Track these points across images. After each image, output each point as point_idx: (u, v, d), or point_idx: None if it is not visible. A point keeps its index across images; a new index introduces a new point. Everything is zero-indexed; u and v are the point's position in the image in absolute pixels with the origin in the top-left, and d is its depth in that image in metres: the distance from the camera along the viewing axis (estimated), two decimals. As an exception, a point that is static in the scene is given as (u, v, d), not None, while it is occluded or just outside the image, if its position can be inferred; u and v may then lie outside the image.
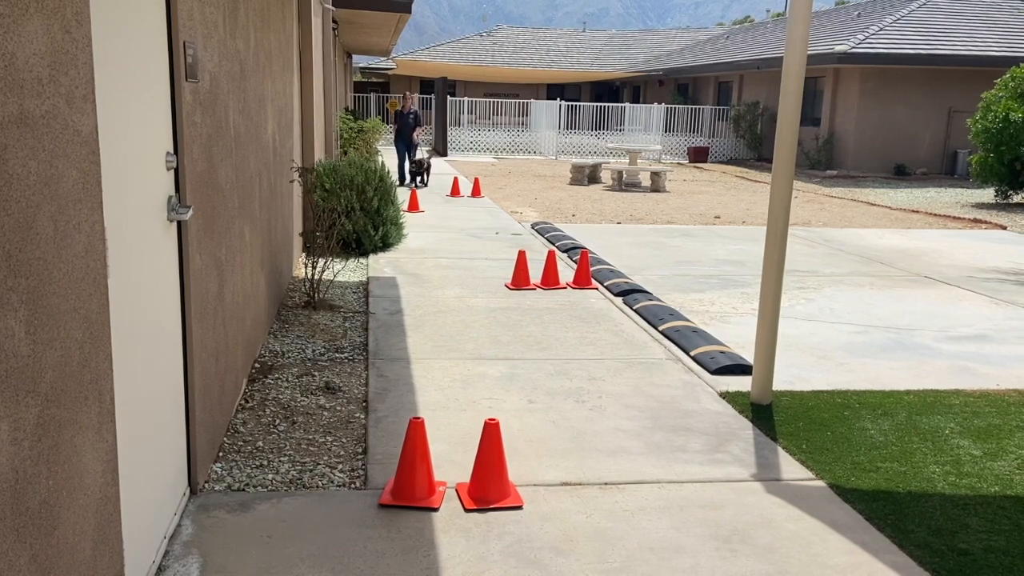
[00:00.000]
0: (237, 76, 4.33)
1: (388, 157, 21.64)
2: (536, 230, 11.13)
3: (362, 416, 4.38)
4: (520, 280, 7.58)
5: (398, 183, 15.75)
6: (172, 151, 3.10)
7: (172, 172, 3.10)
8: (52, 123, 1.89)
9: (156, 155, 2.89)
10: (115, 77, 2.44)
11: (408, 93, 16.73)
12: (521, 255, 7.70)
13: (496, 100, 30.26)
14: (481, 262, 8.72)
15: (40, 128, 1.82)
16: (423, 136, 16.95)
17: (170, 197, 3.06)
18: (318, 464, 3.78)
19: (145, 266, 2.75)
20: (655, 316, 6.50)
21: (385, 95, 31.78)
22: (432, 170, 16.00)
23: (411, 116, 16.34)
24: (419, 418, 3.47)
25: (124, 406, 2.49)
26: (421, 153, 17.02)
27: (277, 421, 4.26)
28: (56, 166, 1.91)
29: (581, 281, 7.69)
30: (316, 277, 6.64)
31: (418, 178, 15.91)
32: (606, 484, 3.69)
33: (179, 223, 3.19)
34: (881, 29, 22.63)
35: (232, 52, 4.19)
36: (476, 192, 15.01)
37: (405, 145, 16.42)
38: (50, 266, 1.87)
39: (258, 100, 5.12)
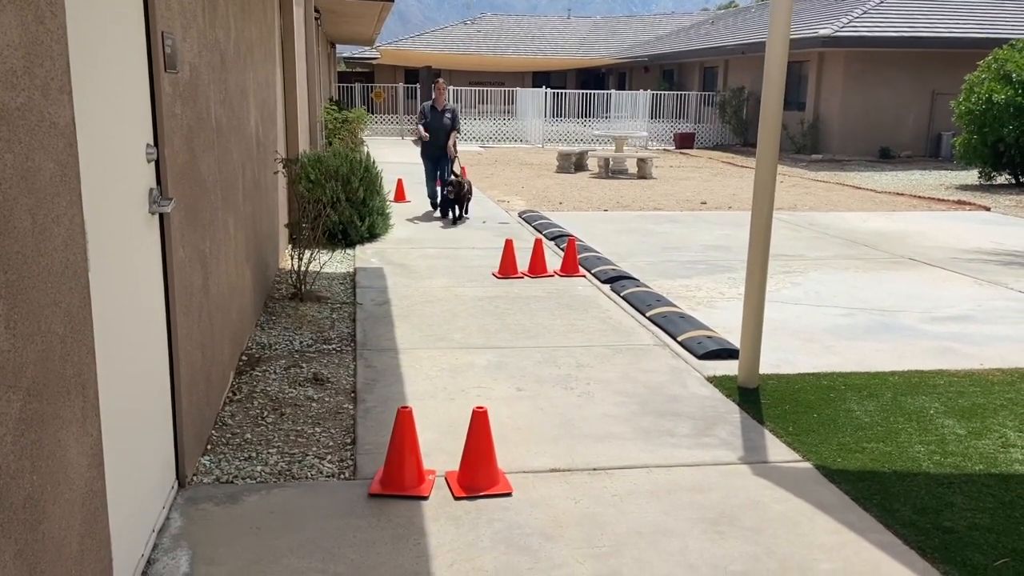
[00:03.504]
0: (218, 67, 4.30)
1: (374, 147, 21.56)
2: (523, 218, 11.12)
3: (350, 407, 4.38)
4: (507, 269, 7.57)
5: (432, 209, 11.28)
6: (152, 143, 3.07)
7: (153, 164, 3.08)
8: (28, 115, 1.87)
9: (136, 147, 2.86)
10: (92, 68, 2.41)
11: (441, 81, 11.02)
12: (508, 244, 7.69)
13: (482, 88, 30.15)
14: (468, 251, 8.71)
15: (16, 120, 1.81)
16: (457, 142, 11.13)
17: (151, 189, 3.03)
18: (307, 455, 3.77)
19: (127, 259, 2.73)
20: (642, 302, 6.52)
21: (370, 85, 31.62)
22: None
23: (446, 115, 10.77)
24: (407, 407, 3.47)
25: (109, 400, 2.48)
26: (457, 167, 11.14)
27: (265, 413, 4.25)
28: (33, 159, 1.89)
29: (568, 269, 7.70)
30: (303, 268, 6.62)
31: (457, 207, 10.57)
32: (595, 470, 3.71)
33: (161, 216, 3.17)
34: (865, 12, 22.67)
35: (212, 42, 4.15)
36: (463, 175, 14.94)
37: (434, 159, 10.92)
38: (29, 260, 1.86)
39: (240, 91, 5.08)
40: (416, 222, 10.55)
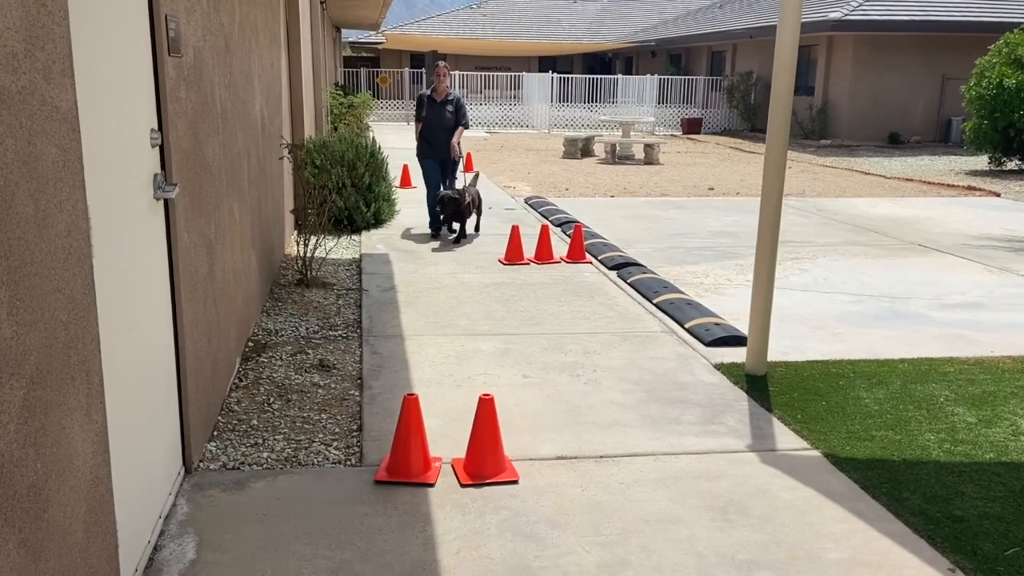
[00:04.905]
0: (222, 51, 4.26)
1: (379, 133, 21.49)
2: (529, 204, 11.07)
3: (357, 393, 4.37)
4: (513, 255, 7.54)
5: (430, 229, 8.81)
6: (156, 128, 3.04)
7: (157, 149, 3.05)
8: (29, 100, 1.84)
9: (140, 132, 2.83)
10: (95, 52, 2.38)
11: (443, 65, 8.59)
12: (514, 230, 7.66)
13: (487, 73, 30.01)
14: (474, 237, 8.66)
15: (17, 105, 1.78)
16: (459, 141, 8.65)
17: (156, 175, 3.01)
18: (313, 442, 3.76)
19: (132, 245, 2.71)
20: (649, 289, 6.48)
21: (375, 70, 31.49)
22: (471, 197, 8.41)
23: (448, 107, 8.51)
24: (413, 394, 3.45)
25: (114, 387, 2.47)
26: (461, 175, 9.00)
27: (271, 399, 4.24)
28: (35, 144, 1.87)
29: (575, 255, 7.66)
30: (308, 255, 6.60)
31: (456, 224, 8.50)
32: (601, 457, 3.69)
33: (166, 201, 3.14)
34: (874, -4, 22.44)
35: (216, 26, 4.12)
36: (468, 167, 14.91)
37: (436, 163, 8.62)
38: (31, 246, 1.83)
39: (245, 76, 5.04)
40: (422, 208, 10.51)
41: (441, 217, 8.25)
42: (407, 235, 8.69)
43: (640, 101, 27.56)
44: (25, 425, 1.78)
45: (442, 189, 8.51)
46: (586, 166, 16.58)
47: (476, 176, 8.97)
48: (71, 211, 2.08)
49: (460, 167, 8.88)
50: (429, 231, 8.80)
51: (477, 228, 8.82)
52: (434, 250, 7.95)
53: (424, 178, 8.77)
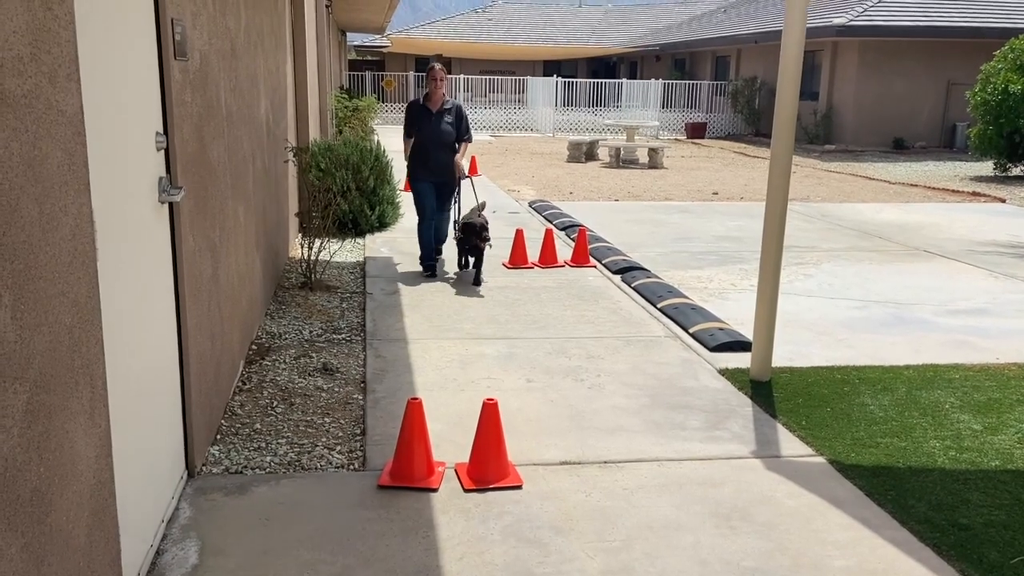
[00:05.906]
0: (228, 54, 4.26)
1: (384, 136, 21.52)
2: (533, 208, 11.07)
3: (360, 397, 4.36)
4: (518, 259, 7.53)
5: (421, 268, 7.15)
6: (162, 131, 3.04)
7: (162, 152, 3.05)
8: (35, 103, 1.84)
9: (145, 135, 2.83)
10: (100, 55, 2.38)
11: (438, 66, 6.81)
12: (518, 234, 7.65)
13: (492, 77, 30.02)
14: (478, 241, 8.65)
15: (22, 108, 1.78)
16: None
17: (161, 178, 3.01)
18: (316, 446, 3.76)
19: (136, 248, 2.71)
20: (653, 293, 6.47)
21: (380, 73, 31.53)
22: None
23: (447, 118, 6.81)
24: (417, 398, 3.44)
25: (117, 391, 2.46)
26: (471, 203, 7.30)
27: (275, 403, 4.23)
28: (40, 147, 1.87)
29: (579, 259, 7.65)
30: (312, 258, 6.60)
31: (471, 259, 7.00)
32: (605, 463, 3.68)
33: (171, 204, 3.14)
34: (879, 1, 22.41)
35: (222, 30, 4.12)
36: (473, 170, 14.92)
37: (433, 188, 6.92)
38: (36, 250, 1.83)
39: (250, 79, 5.05)
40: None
41: (459, 240, 6.85)
42: (411, 238, 8.68)
43: (644, 105, 27.56)
44: (28, 429, 1.77)
45: (441, 220, 7.06)
46: (590, 170, 16.57)
47: (483, 206, 7.20)
48: (76, 214, 2.08)
49: (462, 190, 7.24)
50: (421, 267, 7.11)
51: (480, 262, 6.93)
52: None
53: (417, 208, 6.92)
